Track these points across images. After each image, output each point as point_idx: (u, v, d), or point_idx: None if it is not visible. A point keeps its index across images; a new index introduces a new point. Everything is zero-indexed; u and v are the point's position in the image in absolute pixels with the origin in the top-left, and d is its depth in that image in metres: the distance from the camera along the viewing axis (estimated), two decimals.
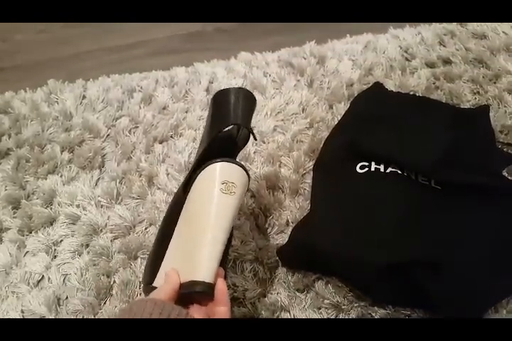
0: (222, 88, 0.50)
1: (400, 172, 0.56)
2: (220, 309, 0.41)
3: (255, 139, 0.50)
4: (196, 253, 0.42)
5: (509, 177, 0.61)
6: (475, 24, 0.83)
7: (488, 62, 0.76)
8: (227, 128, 0.49)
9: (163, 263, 0.48)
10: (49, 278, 0.57)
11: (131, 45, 0.87)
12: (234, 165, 0.45)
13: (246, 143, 0.53)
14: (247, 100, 0.49)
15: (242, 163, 0.60)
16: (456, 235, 0.51)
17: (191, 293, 0.42)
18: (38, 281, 0.57)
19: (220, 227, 0.43)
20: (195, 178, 0.46)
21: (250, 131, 0.49)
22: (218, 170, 0.44)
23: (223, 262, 0.44)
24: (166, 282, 0.42)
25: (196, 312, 0.42)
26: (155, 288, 0.45)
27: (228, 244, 0.46)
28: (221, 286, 0.42)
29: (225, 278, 0.45)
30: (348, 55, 0.79)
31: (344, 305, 0.52)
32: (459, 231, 0.52)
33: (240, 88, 0.50)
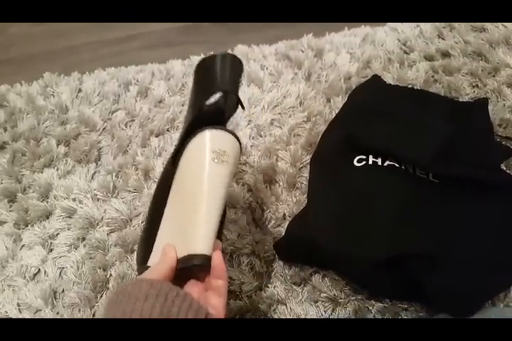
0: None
1: (397, 165, 0.56)
2: (218, 283, 0.40)
3: (243, 108, 0.47)
4: (191, 227, 0.41)
5: (507, 171, 0.60)
6: None
7: (487, 55, 0.75)
8: (215, 97, 0.46)
9: (156, 240, 0.46)
10: (45, 272, 0.57)
11: (127, 37, 0.86)
12: (224, 132, 0.43)
13: (234, 113, 0.50)
14: (233, 65, 0.46)
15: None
16: (453, 229, 0.51)
17: (189, 267, 0.40)
18: (34, 274, 0.57)
19: (214, 198, 0.41)
20: (184, 149, 0.43)
21: (238, 99, 0.46)
22: (208, 139, 0.42)
23: (219, 234, 0.42)
24: (163, 260, 0.41)
25: (194, 287, 0.41)
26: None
27: (223, 214, 0.44)
28: (218, 259, 0.40)
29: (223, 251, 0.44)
30: (346, 47, 0.79)
31: (341, 298, 0.52)
32: (456, 225, 0.51)
33: (225, 53, 0.47)
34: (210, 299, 0.40)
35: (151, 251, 0.46)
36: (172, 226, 0.44)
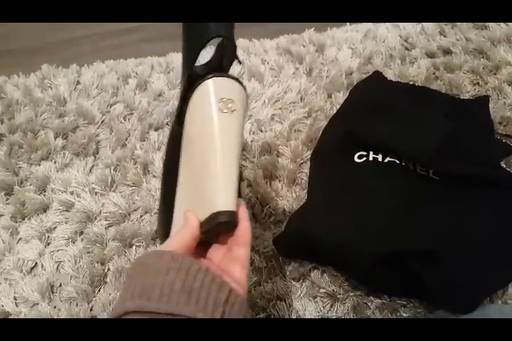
0: None
1: (398, 162, 0.56)
2: (240, 252, 0.37)
3: (239, 62, 0.43)
4: (210, 185, 0.37)
5: (507, 169, 0.60)
6: None
7: (489, 53, 0.75)
8: (209, 50, 0.41)
9: (175, 209, 0.42)
10: (42, 265, 0.56)
11: (127, 30, 0.85)
12: (228, 79, 0.39)
13: (231, 64, 0.44)
14: None
15: None
16: (453, 225, 0.51)
17: (213, 227, 0.37)
18: (31, 268, 0.56)
19: (228, 151, 0.38)
20: (188, 104, 0.40)
21: (234, 47, 0.41)
22: (211, 88, 0.38)
23: (239, 192, 0.39)
24: (184, 227, 0.37)
25: (216, 251, 0.39)
26: None
27: (239, 171, 0.41)
28: (243, 217, 0.37)
29: None
30: (347, 43, 0.78)
31: (340, 294, 0.52)
32: (456, 222, 0.52)
33: None
34: (232, 270, 0.37)
35: (171, 222, 0.43)
36: (189, 191, 0.41)
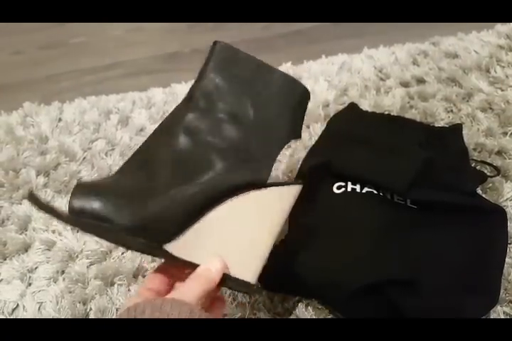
0: None
1: (375, 192, 0.57)
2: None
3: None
4: (253, 250, 0.40)
5: (483, 195, 0.62)
6: (447, 44, 0.85)
7: (461, 81, 0.77)
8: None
9: (201, 228, 0.39)
10: (24, 307, 0.55)
11: (108, 66, 0.87)
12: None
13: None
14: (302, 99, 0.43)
15: None
16: (433, 254, 0.52)
17: (235, 289, 0.40)
18: (13, 310, 0.55)
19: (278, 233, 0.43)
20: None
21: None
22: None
23: None
24: (206, 281, 0.38)
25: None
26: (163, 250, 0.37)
27: None
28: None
29: None
30: (323, 75, 0.80)
31: None
32: (435, 250, 0.52)
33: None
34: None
35: (180, 227, 0.38)
36: (229, 234, 0.40)
